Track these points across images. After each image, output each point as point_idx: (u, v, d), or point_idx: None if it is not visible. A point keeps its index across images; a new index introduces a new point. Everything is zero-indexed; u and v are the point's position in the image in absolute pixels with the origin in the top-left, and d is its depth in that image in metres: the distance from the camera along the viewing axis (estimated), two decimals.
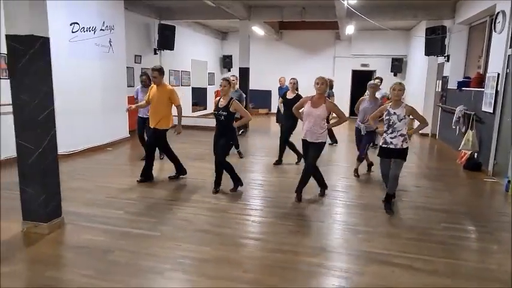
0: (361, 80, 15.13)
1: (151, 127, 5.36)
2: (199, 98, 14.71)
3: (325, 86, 4.69)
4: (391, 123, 4.40)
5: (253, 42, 15.30)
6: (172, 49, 11.04)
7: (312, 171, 4.89)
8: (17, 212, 3.77)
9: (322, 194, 5.06)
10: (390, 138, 4.41)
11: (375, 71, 14.98)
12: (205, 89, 15.03)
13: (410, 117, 4.45)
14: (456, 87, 8.32)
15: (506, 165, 5.65)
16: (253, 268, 3.16)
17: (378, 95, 7.91)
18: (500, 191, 5.54)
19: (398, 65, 14.20)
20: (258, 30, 12.85)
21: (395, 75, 14.48)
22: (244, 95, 7.41)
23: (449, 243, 3.69)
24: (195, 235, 3.77)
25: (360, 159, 6.15)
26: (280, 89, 9.35)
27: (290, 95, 6.74)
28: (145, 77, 6.78)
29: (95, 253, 3.35)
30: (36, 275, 3.03)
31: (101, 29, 7.78)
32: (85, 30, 7.34)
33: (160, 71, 5.24)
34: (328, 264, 3.24)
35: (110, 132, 8.32)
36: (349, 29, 12.08)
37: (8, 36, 3.45)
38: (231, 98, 4.96)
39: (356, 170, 6.18)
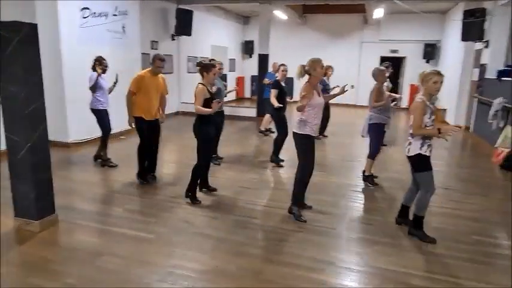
0: (391, 67, 14.36)
1: (153, 119, 4.90)
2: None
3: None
4: (433, 123, 3.36)
5: (275, 27, 14.73)
6: (190, 34, 10.69)
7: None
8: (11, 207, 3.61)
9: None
10: (429, 145, 3.39)
11: (405, 57, 14.08)
12: (225, 75, 14.63)
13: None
14: (496, 77, 7.52)
15: None
16: (248, 282, 2.82)
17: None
18: None
19: (431, 51, 13.24)
20: (280, 14, 12.28)
21: (427, 62, 13.55)
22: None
23: (480, 261, 3.20)
24: (193, 240, 3.47)
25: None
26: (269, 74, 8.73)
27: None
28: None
29: (84, 257, 3.12)
30: (18, 280, 2.83)
31: (114, 15, 7.53)
32: (96, 15, 7.10)
33: (162, 59, 4.82)
34: (334, 283, 2.85)
35: (124, 120, 8.12)
36: (378, 13, 11.30)
37: None
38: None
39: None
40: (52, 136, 6.76)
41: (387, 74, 8.04)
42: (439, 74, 3.36)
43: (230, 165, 6.00)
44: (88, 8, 6.90)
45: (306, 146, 3.84)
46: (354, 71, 14.37)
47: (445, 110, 11.22)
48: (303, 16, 14.60)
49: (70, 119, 6.81)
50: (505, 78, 7.16)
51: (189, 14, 10.44)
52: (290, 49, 14.87)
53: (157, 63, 4.77)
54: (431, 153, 3.40)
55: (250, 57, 15.86)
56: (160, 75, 4.95)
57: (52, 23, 6.38)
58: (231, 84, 14.53)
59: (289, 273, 2.92)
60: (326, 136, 8.39)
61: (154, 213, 4.04)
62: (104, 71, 5.57)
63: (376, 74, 5.19)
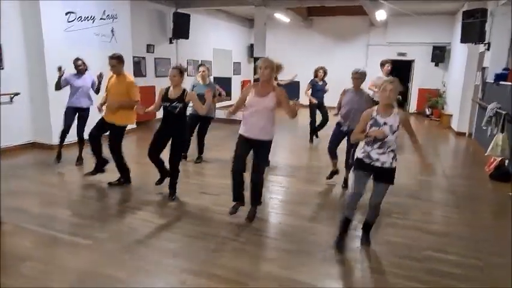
0: (398, 70, 13.89)
1: (108, 122, 4.78)
2: (222, 88, 14.32)
3: (271, 71, 3.68)
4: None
5: (280, 30, 14.67)
6: (187, 38, 10.71)
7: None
8: None
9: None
10: (377, 154, 3.19)
11: (413, 60, 13.59)
12: (230, 78, 14.60)
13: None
14: (493, 81, 7.09)
15: None
16: None
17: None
18: None
19: (440, 54, 12.71)
20: (281, 17, 12.13)
21: (436, 65, 13.05)
22: (216, 88, 6.30)
23: (417, 279, 2.94)
24: (127, 249, 3.37)
25: (349, 167, 4.94)
26: None
27: None
28: (81, 62, 5.77)
29: (10, 262, 3.08)
30: None
31: (101, 18, 7.62)
32: (82, 19, 7.21)
33: (119, 58, 4.71)
34: None
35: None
36: (380, 15, 10.94)
37: None
38: (184, 89, 4.35)
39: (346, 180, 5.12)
40: (36, 138, 7.07)
41: (389, 68, 7.78)
42: (390, 82, 3.14)
43: (207, 169, 5.92)
44: (73, 12, 7.01)
45: (236, 143, 3.86)
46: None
47: (451, 116, 10.73)
48: (309, 19, 14.38)
49: (54, 121, 6.91)
50: (502, 83, 6.73)
51: (186, 17, 10.47)
52: (296, 52, 14.72)
53: (109, 63, 4.72)
54: (366, 160, 3.24)
55: (257, 60, 15.76)
56: (129, 77, 4.86)
57: (35, 27, 6.53)
58: (236, 88, 14.48)
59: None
60: (317, 137, 8.23)
61: (101, 218, 3.98)
62: (77, 72, 5.73)
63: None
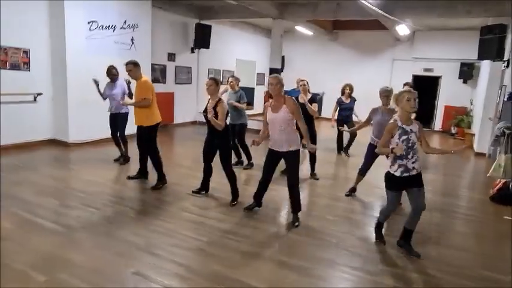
0: (424, 86, 13.48)
1: (137, 125, 5.20)
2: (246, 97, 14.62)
3: (281, 87, 3.99)
4: (410, 144, 3.36)
5: (305, 43, 14.83)
6: (208, 47, 11.14)
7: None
8: None
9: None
10: (412, 163, 3.37)
11: (440, 77, 13.15)
12: (253, 89, 14.90)
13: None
14: (507, 99, 6.77)
15: None
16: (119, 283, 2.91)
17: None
18: None
19: (468, 71, 12.21)
20: (303, 30, 12.27)
21: (464, 82, 12.54)
22: (244, 95, 6.81)
23: None
24: (86, 239, 3.60)
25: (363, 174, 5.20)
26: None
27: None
28: (115, 71, 6.20)
29: None
30: None
31: (122, 27, 8.18)
32: (103, 28, 7.79)
33: (134, 63, 5.07)
34: None
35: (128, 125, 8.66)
36: (402, 29, 10.76)
37: None
38: (219, 99, 4.57)
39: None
40: (56, 135, 7.66)
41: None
42: (410, 91, 3.40)
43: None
44: (95, 21, 7.61)
45: (266, 156, 4.25)
46: None
47: (473, 135, 10.24)
48: (334, 32, 14.40)
49: (71, 121, 7.47)
50: None
51: (207, 28, 10.92)
52: (321, 65, 14.77)
53: (126, 69, 5.13)
54: (404, 175, 3.39)
55: (282, 71, 15.94)
56: (144, 77, 5.22)
57: (59, 34, 7.16)
58: (259, 98, 14.71)
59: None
60: (348, 155, 8.07)
61: (86, 209, 4.30)
62: (111, 80, 6.21)
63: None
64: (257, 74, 15.08)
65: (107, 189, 5.15)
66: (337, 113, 8.01)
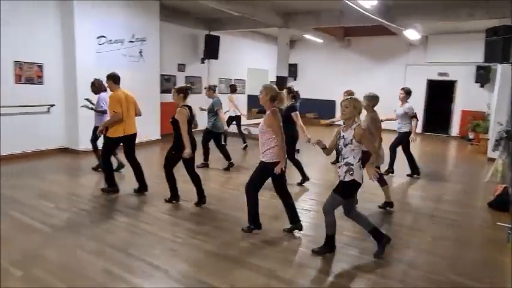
0: (439, 91, 13.15)
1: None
2: (258, 105, 14.80)
3: (265, 96, 3.92)
4: (339, 149, 3.54)
5: (317, 51, 14.89)
6: (217, 58, 11.44)
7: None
8: None
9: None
10: (339, 168, 3.52)
11: (455, 81, 12.78)
12: None
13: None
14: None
15: None
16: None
17: (400, 110, 6.79)
18: (503, 240, 4.13)
19: (484, 74, 11.80)
20: (311, 38, 12.34)
21: (482, 86, 12.11)
22: (216, 103, 7.04)
23: None
24: (68, 239, 3.84)
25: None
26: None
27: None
28: (96, 84, 6.47)
29: None
30: None
31: (130, 41, 8.61)
32: (112, 42, 8.23)
33: (106, 77, 5.27)
34: None
35: (139, 133, 9.02)
36: (412, 34, 10.59)
37: None
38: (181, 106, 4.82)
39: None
40: (68, 144, 8.12)
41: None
42: (346, 98, 3.56)
43: None
44: (104, 36, 8.06)
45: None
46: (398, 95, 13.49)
47: (488, 140, 9.86)
48: (346, 39, 14.37)
49: (81, 131, 7.89)
50: None
51: (216, 39, 11.23)
52: (334, 72, 14.75)
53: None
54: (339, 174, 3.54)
55: (295, 79, 16.06)
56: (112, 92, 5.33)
57: (70, 49, 7.65)
58: None
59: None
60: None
61: (76, 213, 4.57)
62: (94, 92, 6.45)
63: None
64: (270, 82, 15.21)
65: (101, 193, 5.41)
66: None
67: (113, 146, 5.43)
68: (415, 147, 11.07)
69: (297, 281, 3.18)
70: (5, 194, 5.00)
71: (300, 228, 4.12)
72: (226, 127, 7.31)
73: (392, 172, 6.94)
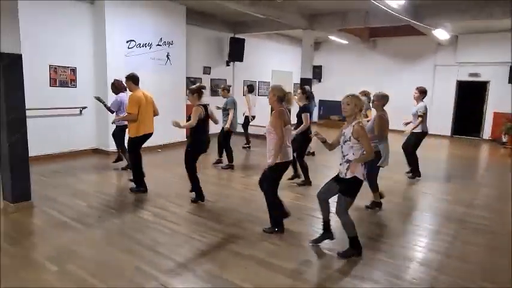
0: (470, 93, 12.70)
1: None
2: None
3: (273, 97, 4.01)
4: (341, 146, 3.59)
5: (343, 52, 14.76)
6: (242, 60, 11.55)
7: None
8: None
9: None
10: (340, 165, 3.57)
11: (488, 82, 12.32)
12: None
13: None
14: None
15: None
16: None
17: (414, 110, 6.80)
18: None
19: None
20: (336, 39, 12.24)
21: None
22: (229, 102, 7.35)
23: None
24: (100, 236, 4.03)
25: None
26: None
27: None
28: (116, 84, 6.76)
29: (21, 235, 3.97)
30: None
31: (157, 45, 8.84)
32: (141, 46, 8.48)
33: (126, 78, 5.39)
34: None
35: (165, 135, 9.18)
36: (441, 34, 10.32)
37: None
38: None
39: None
40: (99, 145, 8.42)
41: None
42: (347, 95, 3.56)
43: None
44: (133, 40, 8.32)
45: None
46: (426, 97, 13.12)
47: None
48: (372, 40, 14.15)
49: (110, 132, 8.14)
50: None
51: (241, 42, 11.35)
52: (361, 73, 14.54)
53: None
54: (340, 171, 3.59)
55: (320, 81, 15.96)
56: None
57: (101, 53, 7.94)
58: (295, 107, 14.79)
59: None
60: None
61: (107, 212, 4.75)
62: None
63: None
64: (294, 84, 15.19)
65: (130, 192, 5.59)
66: None
67: (138, 146, 5.58)
68: (443, 150, 10.84)
69: (322, 283, 3.18)
70: (41, 193, 5.25)
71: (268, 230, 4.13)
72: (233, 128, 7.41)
73: (419, 176, 6.80)
